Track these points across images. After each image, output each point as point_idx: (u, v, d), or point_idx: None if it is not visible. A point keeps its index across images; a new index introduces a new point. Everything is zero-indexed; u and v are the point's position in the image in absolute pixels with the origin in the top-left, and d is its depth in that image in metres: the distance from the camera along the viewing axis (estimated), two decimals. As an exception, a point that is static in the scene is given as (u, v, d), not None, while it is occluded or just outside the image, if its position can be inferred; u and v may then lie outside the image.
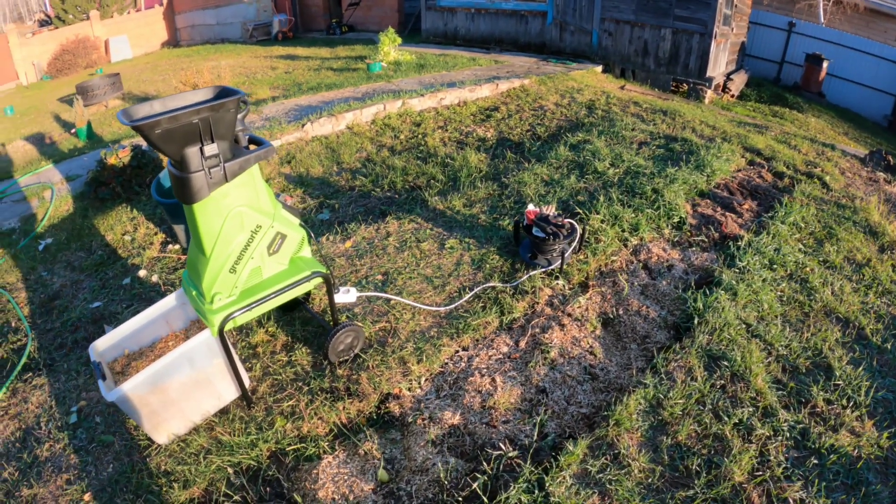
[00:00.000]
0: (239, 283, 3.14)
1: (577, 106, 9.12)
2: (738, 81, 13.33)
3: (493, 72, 11.30)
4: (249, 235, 3.08)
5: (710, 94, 11.39)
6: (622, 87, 11.09)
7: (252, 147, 3.12)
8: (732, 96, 12.90)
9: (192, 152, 2.80)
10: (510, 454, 3.08)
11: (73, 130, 11.38)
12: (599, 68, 12.27)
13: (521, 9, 13.98)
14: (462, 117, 8.96)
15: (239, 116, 3.01)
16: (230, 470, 3.15)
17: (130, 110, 2.92)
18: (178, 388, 3.21)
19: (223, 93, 3.08)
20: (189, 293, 3.32)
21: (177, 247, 5.88)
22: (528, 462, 3.00)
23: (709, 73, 11.30)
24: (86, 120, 10.80)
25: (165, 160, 7.57)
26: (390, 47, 13.04)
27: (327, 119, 8.75)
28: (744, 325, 4.02)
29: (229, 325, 3.11)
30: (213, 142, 2.81)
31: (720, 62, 12.00)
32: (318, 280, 3.42)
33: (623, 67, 12.31)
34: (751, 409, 3.34)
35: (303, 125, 8.60)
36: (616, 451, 3.07)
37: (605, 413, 3.31)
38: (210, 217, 2.95)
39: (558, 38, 13.48)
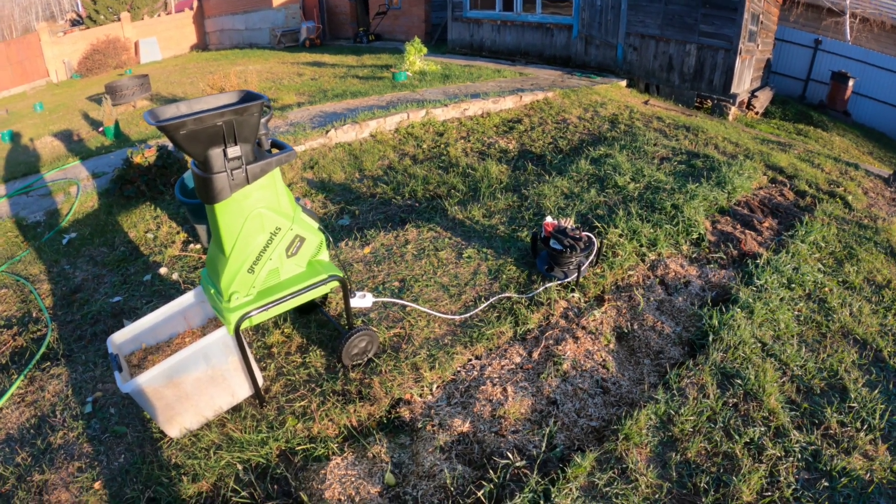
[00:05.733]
0: (257, 283, 3.19)
1: (600, 120, 9.12)
2: (763, 98, 13.24)
3: (518, 84, 11.33)
4: (269, 237, 3.14)
5: (734, 110, 11.33)
6: (646, 102, 11.07)
7: (274, 151, 3.18)
8: (757, 113, 12.82)
9: (215, 154, 2.86)
10: (518, 464, 3.09)
11: (100, 129, 11.55)
12: (624, 83, 12.25)
13: (546, 22, 14.02)
14: (485, 128, 9.00)
15: (262, 120, 3.07)
16: (239, 466, 3.20)
17: (157, 111, 3.00)
18: (193, 384, 3.27)
19: (247, 97, 3.14)
20: (207, 291, 3.37)
21: (198, 246, 5.96)
22: (536, 472, 3.00)
23: (733, 90, 11.24)
24: (114, 119, 10.95)
25: (190, 161, 7.68)
26: (416, 57, 13.12)
27: (351, 126, 8.84)
28: (759, 344, 3.99)
29: (245, 324, 3.17)
30: (236, 144, 2.87)
31: (745, 79, 11.94)
32: (335, 284, 3.46)
33: (647, 82, 12.29)
34: (762, 429, 3.31)
35: (327, 131, 8.68)
36: (624, 466, 3.06)
37: (615, 427, 3.30)
38: (231, 217, 3.01)
39: (583, 52, 13.49)
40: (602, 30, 12.83)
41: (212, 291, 3.32)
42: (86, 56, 25.00)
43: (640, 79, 12.39)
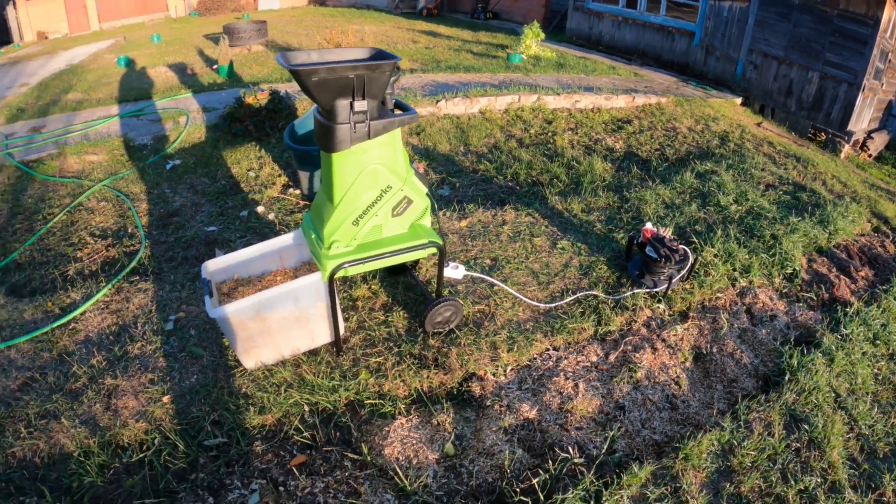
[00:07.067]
0: (359, 236, 3.28)
1: (711, 134, 8.89)
2: (879, 141, 12.60)
3: (632, 84, 11.13)
4: (379, 193, 3.21)
5: (847, 148, 10.83)
6: (759, 124, 10.70)
7: (397, 111, 3.24)
8: (870, 156, 12.21)
9: (342, 105, 2.94)
10: (576, 460, 3.10)
11: (214, 66, 11.88)
12: (739, 100, 11.86)
13: (669, 25, 13.66)
14: (594, 123, 8.91)
15: (391, 80, 3.13)
16: (306, 408, 3.31)
17: (289, 55, 3.10)
18: (278, 321, 3.39)
19: (378, 55, 3.21)
20: (308, 235, 3.48)
21: (297, 191, 6.12)
22: (591, 472, 3.00)
23: (850, 127, 10.74)
24: (229, 59, 11.25)
25: (301, 109, 7.86)
26: (533, 41, 12.99)
27: (462, 100, 8.90)
28: (833, 394, 3.84)
29: (340, 274, 3.26)
30: (363, 99, 2.95)
31: (864, 117, 11.38)
32: (433, 250, 3.52)
33: (763, 104, 11.85)
34: (819, 480, 3.20)
35: (437, 101, 8.77)
36: (678, 485, 3.02)
37: (677, 445, 3.27)
38: (346, 168, 3.10)
39: (702, 62, 13.11)
40: (724, 42, 12.43)
41: (312, 236, 3.42)
42: (205, -4, 25.70)
43: (756, 99, 11.97)
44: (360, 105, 2.95)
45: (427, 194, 3.48)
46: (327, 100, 2.92)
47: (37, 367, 3.68)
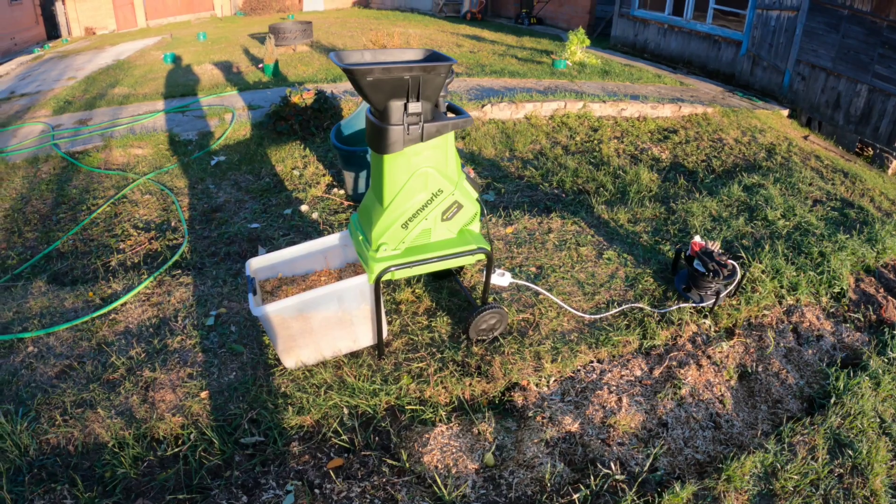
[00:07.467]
0: (407, 239, 3.24)
1: (757, 147, 8.72)
2: (930, 159, 12.27)
3: (677, 93, 10.98)
4: (429, 197, 3.17)
5: (895, 164, 10.56)
6: (805, 137, 10.48)
7: (450, 114, 3.20)
8: (920, 173, 11.91)
9: (396, 106, 2.91)
10: (617, 476, 3.03)
11: (260, 65, 12.00)
12: (785, 112, 11.62)
13: (715, 33, 13.45)
14: (639, 132, 8.80)
15: (446, 82, 3.09)
16: (346, 411, 3.28)
17: (343, 54, 3.07)
18: (321, 321, 3.37)
19: (433, 56, 3.17)
20: (355, 237, 3.45)
21: (342, 192, 6.13)
22: (633, 490, 2.93)
23: (900, 143, 10.46)
24: (274, 58, 11.35)
25: (346, 109, 7.88)
26: (577, 47, 12.90)
27: (507, 105, 8.88)
28: (878, 419, 3.70)
29: (387, 277, 3.22)
30: (418, 101, 2.91)
31: (914, 133, 11.08)
32: (482, 256, 3.47)
33: (810, 116, 11.59)
34: None
35: (482, 105, 8.76)
36: (719, 507, 2.94)
37: (719, 465, 3.18)
38: (397, 170, 3.06)
39: (748, 72, 12.87)
40: (772, 52, 12.19)
41: (360, 238, 3.39)
42: (251, -4, 26.10)
43: (803, 111, 11.71)
44: (415, 107, 2.91)
45: (477, 199, 3.42)
46: (381, 100, 2.89)
47: (75, 356, 3.71)
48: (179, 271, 4.72)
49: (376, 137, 3.01)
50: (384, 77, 2.78)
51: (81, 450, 3.07)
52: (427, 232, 3.31)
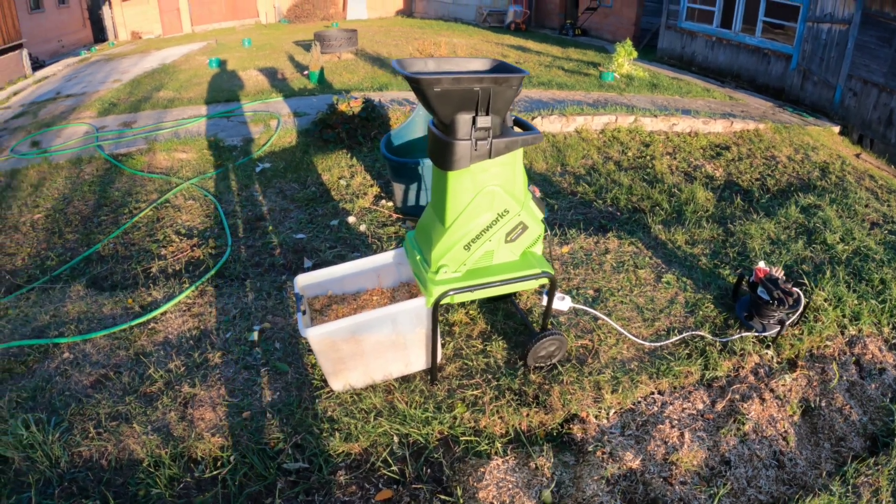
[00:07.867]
0: (469, 261, 3.05)
1: (811, 165, 8.42)
2: None
3: (727, 108, 10.71)
4: (495, 217, 2.98)
5: (954, 187, 10.14)
6: (857, 155, 10.12)
7: (517, 129, 3.02)
8: (979, 196, 11.45)
9: (463, 119, 2.73)
10: (681, 519, 2.81)
11: (305, 72, 12.01)
12: (837, 129, 11.24)
13: (765, 47, 13.12)
14: (692, 148, 8.58)
15: (515, 96, 2.91)
16: (396, 438, 3.11)
17: (406, 62, 2.91)
18: (373, 344, 3.20)
19: (501, 67, 3.00)
20: (412, 256, 3.28)
21: (390, 204, 5.97)
22: (697, 534, 2.73)
23: (954, 164, 10.04)
24: (320, 65, 11.34)
25: (394, 119, 7.76)
26: (625, 59, 12.73)
27: (557, 118, 8.74)
28: None
29: (445, 300, 3.04)
30: (487, 114, 2.72)
31: (968, 153, 10.64)
32: (545, 280, 3.26)
33: (861, 133, 11.18)
34: None
35: (532, 118, 8.60)
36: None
37: (783, 509, 2.95)
38: (462, 188, 2.87)
39: (798, 87, 12.51)
40: (822, 66, 11.83)
41: (417, 258, 3.22)
42: (296, 4, 26.51)
43: (855, 128, 11.31)
44: (484, 121, 2.72)
45: (542, 220, 3.23)
46: (448, 113, 2.71)
47: (112, 365, 3.61)
48: (222, 281, 4.61)
49: (441, 152, 2.83)
50: (453, 88, 2.60)
51: (115, 465, 2.95)
52: (489, 254, 3.12)
